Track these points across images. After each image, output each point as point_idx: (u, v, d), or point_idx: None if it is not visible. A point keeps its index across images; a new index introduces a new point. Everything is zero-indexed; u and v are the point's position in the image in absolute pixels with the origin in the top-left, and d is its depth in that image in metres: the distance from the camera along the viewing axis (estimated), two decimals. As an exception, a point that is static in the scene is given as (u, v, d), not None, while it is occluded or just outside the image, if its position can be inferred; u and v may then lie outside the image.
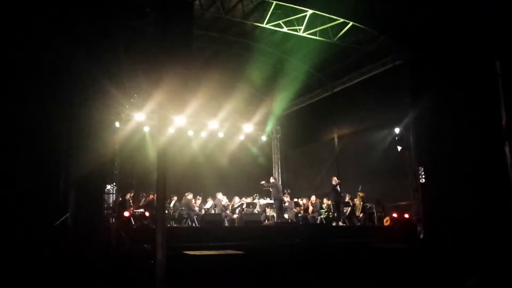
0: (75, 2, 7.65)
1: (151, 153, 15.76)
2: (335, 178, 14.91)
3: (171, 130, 16.88)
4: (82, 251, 8.50)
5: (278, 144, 20.77)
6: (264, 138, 20.32)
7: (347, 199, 15.07)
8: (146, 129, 16.96)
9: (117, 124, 14.31)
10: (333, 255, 9.47)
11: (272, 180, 15.57)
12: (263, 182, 15.58)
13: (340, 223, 14.57)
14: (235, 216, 14.97)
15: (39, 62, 7.93)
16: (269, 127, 20.26)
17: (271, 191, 15.33)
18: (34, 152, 8.59)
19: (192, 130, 18.50)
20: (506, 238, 11.23)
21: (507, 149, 12.31)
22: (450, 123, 12.79)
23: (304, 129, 19.30)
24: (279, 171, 20.42)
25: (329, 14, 13.21)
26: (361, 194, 14.66)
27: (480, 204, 11.87)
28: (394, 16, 12.75)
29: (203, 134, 18.90)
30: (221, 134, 19.17)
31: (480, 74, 12.67)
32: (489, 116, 12.53)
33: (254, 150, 20.23)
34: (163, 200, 9.29)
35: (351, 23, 13.60)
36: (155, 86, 8.90)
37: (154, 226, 8.64)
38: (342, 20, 13.49)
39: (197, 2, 12.27)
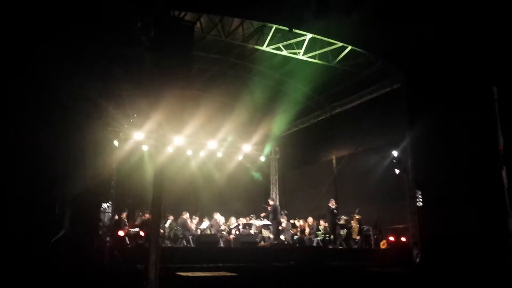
0: (74, 25, 7.80)
1: (149, 172, 15.78)
2: (333, 200, 14.89)
3: (170, 149, 16.92)
4: (76, 269, 8.47)
5: (276, 165, 20.80)
6: (262, 158, 20.36)
7: (343, 222, 14.99)
8: (145, 148, 17.01)
9: (115, 142, 14.36)
10: (328, 278, 9.41)
11: (270, 202, 15.55)
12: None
13: (337, 246, 14.48)
14: (231, 236, 14.90)
15: (38, 81, 8.05)
16: (268, 148, 20.34)
17: (269, 212, 15.29)
18: (31, 168, 8.63)
19: (191, 150, 18.56)
20: (503, 261, 11.19)
21: (504, 174, 12.35)
22: (447, 147, 12.85)
23: (302, 151, 19.36)
24: (277, 192, 20.39)
25: (328, 38, 13.41)
26: (357, 217, 14.62)
27: (477, 228, 11.85)
28: (391, 41, 12.94)
29: (202, 154, 18.95)
30: (219, 154, 19.22)
31: (477, 99, 12.80)
32: (487, 140, 12.61)
33: (252, 170, 20.25)
34: (158, 219, 9.31)
35: (350, 47, 13.80)
36: (154, 106, 9.03)
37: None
38: (341, 44, 13.69)
39: (197, 25, 12.47)
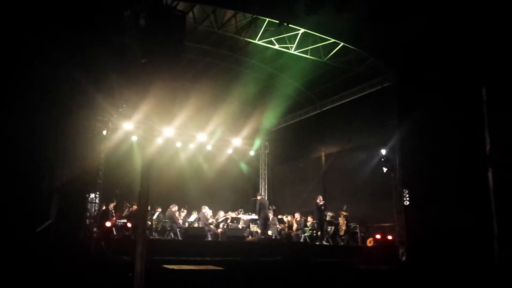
0: (63, 14, 7.67)
1: (138, 162, 15.62)
2: (320, 197, 14.92)
3: (159, 141, 16.81)
4: (62, 260, 8.39)
5: (266, 160, 20.80)
6: (252, 152, 20.34)
7: (329, 218, 15.05)
8: (134, 138, 16.86)
9: (104, 132, 14.22)
10: (314, 274, 9.44)
11: (258, 197, 15.55)
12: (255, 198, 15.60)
13: (324, 242, 14.54)
14: (218, 230, 14.88)
15: (28, 69, 7.91)
16: (258, 142, 20.31)
17: (257, 207, 15.30)
18: (18, 155, 8.50)
19: (181, 142, 18.46)
20: (488, 261, 11.34)
21: (490, 175, 12.49)
22: (435, 147, 12.94)
23: (292, 146, 19.39)
24: (266, 187, 20.40)
25: (320, 34, 13.38)
26: (344, 214, 14.68)
27: (463, 228, 11.97)
28: (383, 39, 12.97)
29: (191, 146, 18.86)
30: (209, 147, 19.15)
31: (466, 100, 12.90)
32: (474, 141, 12.72)
33: (242, 164, 20.22)
34: (145, 211, 9.23)
35: (341, 44, 13.80)
36: (143, 96, 8.93)
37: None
38: (333, 40, 13.67)
39: (190, 15, 12.35)
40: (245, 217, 15.69)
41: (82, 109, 8.76)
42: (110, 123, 14.96)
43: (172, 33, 9.05)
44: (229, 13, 13.02)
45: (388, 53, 13.77)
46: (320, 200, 14.70)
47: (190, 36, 13.30)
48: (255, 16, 12.82)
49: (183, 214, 15.00)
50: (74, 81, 8.14)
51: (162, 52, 8.85)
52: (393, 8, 11.84)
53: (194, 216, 15.16)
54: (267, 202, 15.76)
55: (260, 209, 14.70)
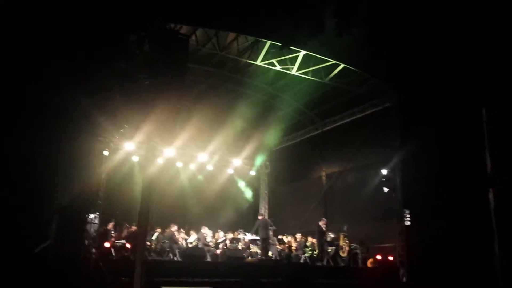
0: (68, 37, 7.81)
1: (139, 183, 15.63)
2: (324, 220, 14.83)
3: (160, 161, 16.85)
4: (61, 280, 8.35)
5: (266, 179, 20.77)
6: (253, 172, 20.33)
7: (330, 239, 14.93)
8: (135, 158, 16.90)
9: (105, 152, 14.26)
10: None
11: (259, 217, 15.49)
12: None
13: (325, 263, 14.42)
14: (218, 251, 14.77)
15: (30, 91, 8.01)
16: (258, 162, 20.32)
17: (254, 227, 15.23)
18: (19, 176, 8.54)
19: (181, 162, 18.49)
20: (490, 281, 11.24)
21: (491, 195, 12.48)
22: (436, 167, 12.96)
23: (293, 166, 19.37)
24: (266, 207, 20.32)
25: (321, 55, 13.53)
26: (343, 234, 14.57)
27: (464, 248, 11.91)
28: (384, 61, 13.11)
29: (192, 166, 18.89)
30: (210, 167, 19.17)
31: (466, 120, 12.98)
32: (475, 161, 12.75)
33: (242, 184, 20.20)
34: (144, 231, 9.24)
35: (342, 65, 13.93)
36: (145, 117, 9.02)
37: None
38: (334, 61, 13.81)
39: (193, 38, 12.54)
40: (245, 237, 15.59)
41: (84, 131, 8.83)
42: (111, 144, 15.02)
43: (176, 55, 9.24)
44: (231, 35, 13.23)
45: (389, 74, 13.90)
46: (323, 223, 14.61)
47: (193, 58, 13.45)
48: (256, 39, 13.00)
49: (182, 234, 14.91)
50: (76, 103, 8.23)
51: (165, 74, 9.01)
52: (393, 30, 12.01)
53: (193, 236, 15.07)
54: (269, 221, 15.67)
55: (260, 229, 14.62)
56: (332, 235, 14.98)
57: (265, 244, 14.57)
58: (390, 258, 13.64)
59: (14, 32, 7.64)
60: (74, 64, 7.91)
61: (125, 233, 13.95)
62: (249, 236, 15.69)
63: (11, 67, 7.72)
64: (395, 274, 13.13)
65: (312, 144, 18.53)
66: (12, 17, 7.57)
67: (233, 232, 15.83)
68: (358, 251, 14.62)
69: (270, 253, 14.88)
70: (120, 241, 13.43)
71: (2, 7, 7.48)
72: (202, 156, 18.51)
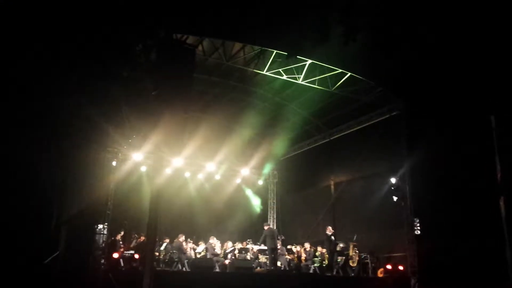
0: (75, 46, 7.89)
1: (147, 193, 15.66)
2: (330, 227, 14.75)
3: (168, 171, 16.89)
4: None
5: (275, 189, 20.71)
6: (260, 182, 20.30)
7: (339, 248, 14.79)
8: (143, 169, 16.95)
9: (114, 163, 14.34)
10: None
11: (265, 227, 15.40)
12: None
13: (334, 273, 14.27)
14: (226, 261, 14.69)
15: (38, 101, 8.08)
16: (266, 171, 20.30)
17: (262, 237, 15.14)
18: (28, 187, 8.59)
19: (189, 172, 18.51)
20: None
21: (501, 203, 12.31)
22: (445, 175, 12.83)
23: (301, 175, 19.30)
24: (275, 216, 20.24)
25: (327, 64, 13.55)
26: (353, 244, 14.43)
27: (475, 257, 11.74)
28: (391, 69, 13.07)
29: (200, 176, 18.90)
30: (218, 177, 19.17)
31: (475, 127, 12.87)
32: (485, 169, 12.61)
33: (250, 194, 20.16)
34: (153, 242, 9.24)
35: (349, 74, 13.93)
36: (153, 127, 9.07)
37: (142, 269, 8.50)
38: (340, 70, 13.81)
39: (199, 48, 12.63)
40: (254, 247, 15.50)
41: (92, 141, 8.88)
42: (119, 154, 15.10)
43: (182, 65, 9.30)
44: (238, 45, 13.31)
45: (395, 82, 13.85)
46: (329, 231, 14.52)
47: (200, 68, 13.55)
48: (263, 48, 13.07)
49: (190, 245, 14.86)
50: (84, 113, 8.29)
51: (172, 84, 9.07)
52: (399, 38, 11.98)
53: (202, 247, 15.03)
54: (276, 231, 15.59)
55: (267, 240, 14.54)
56: (341, 245, 14.84)
57: (273, 254, 14.47)
58: (401, 267, 13.48)
59: (18, 34, 7.72)
60: (79, 70, 7.98)
61: (133, 243, 13.95)
62: (257, 246, 15.60)
63: (20, 75, 7.81)
64: (406, 284, 12.97)
65: (320, 153, 18.48)
66: (17, 18, 7.65)
67: (241, 242, 15.77)
68: (368, 260, 14.47)
69: (279, 263, 14.77)
70: (128, 252, 13.43)
71: (2, 8, 7.56)
72: (210, 166, 18.53)
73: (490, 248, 11.79)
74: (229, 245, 15.52)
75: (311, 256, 15.39)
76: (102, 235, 12.21)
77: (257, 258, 15.28)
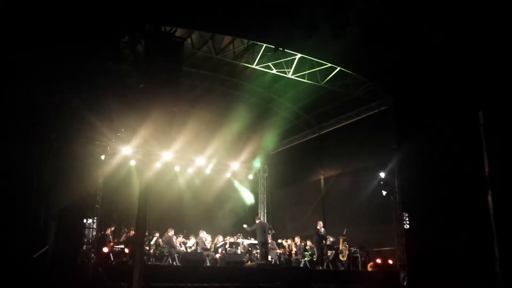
0: (59, 38, 7.78)
1: (136, 187, 15.53)
2: (321, 222, 14.81)
3: (157, 165, 16.80)
4: (59, 286, 8.29)
5: (265, 183, 20.73)
6: (251, 176, 20.30)
7: (329, 242, 14.88)
8: (133, 163, 16.83)
9: (102, 157, 14.21)
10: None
11: (257, 221, 15.43)
12: (245, 225, 15.43)
13: (324, 267, 14.36)
14: (217, 255, 14.70)
15: (24, 94, 7.98)
16: (256, 165, 20.31)
17: (256, 232, 15.15)
18: (17, 181, 8.50)
19: (179, 166, 18.44)
20: (488, 285, 11.19)
21: (489, 198, 12.44)
22: (434, 170, 12.93)
23: (291, 169, 19.33)
24: (265, 210, 20.29)
25: (317, 58, 13.53)
26: (343, 238, 14.53)
27: (464, 252, 11.87)
28: (380, 63, 13.12)
29: (190, 170, 18.84)
30: (208, 171, 19.13)
31: (463, 122, 12.97)
32: (473, 163, 12.72)
33: (240, 188, 20.16)
34: (142, 236, 9.17)
35: (338, 68, 13.94)
36: (141, 121, 8.98)
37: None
38: (329, 64, 13.82)
39: (188, 41, 12.52)
40: (245, 241, 15.53)
41: (80, 135, 8.79)
42: (108, 148, 14.96)
43: (171, 58, 9.19)
44: (227, 39, 13.21)
45: (385, 77, 13.90)
46: (320, 226, 14.59)
47: (189, 61, 13.48)
48: (252, 41, 13.02)
49: (180, 239, 14.83)
50: (72, 107, 8.20)
51: (160, 77, 8.97)
52: (389, 33, 12.03)
53: (192, 241, 15.01)
54: (267, 225, 15.62)
55: (257, 233, 14.56)
56: (331, 239, 14.93)
57: (264, 248, 14.52)
58: (390, 261, 13.59)
59: (7, 31, 7.61)
60: (66, 67, 7.88)
61: (123, 238, 13.88)
62: (248, 241, 15.63)
63: (5, 67, 7.69)
64: (396, 278, 13.08)
65: (310, 147, 18.51)
66: (5, 16, 7.54)
67: (232, 236, 15.78)
68: (357, 254, 14.57)
69: (269, 257, 14.82)
70: (118, 246, 13.36)
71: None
72: (200, 160, 18.47)
73: (479, 242, 11.92)
74: (219, 239, 15.52)
75: (302, 250, 15.47)
76: (91, 229, 12.12)
77: (247, 252, 15.32)
